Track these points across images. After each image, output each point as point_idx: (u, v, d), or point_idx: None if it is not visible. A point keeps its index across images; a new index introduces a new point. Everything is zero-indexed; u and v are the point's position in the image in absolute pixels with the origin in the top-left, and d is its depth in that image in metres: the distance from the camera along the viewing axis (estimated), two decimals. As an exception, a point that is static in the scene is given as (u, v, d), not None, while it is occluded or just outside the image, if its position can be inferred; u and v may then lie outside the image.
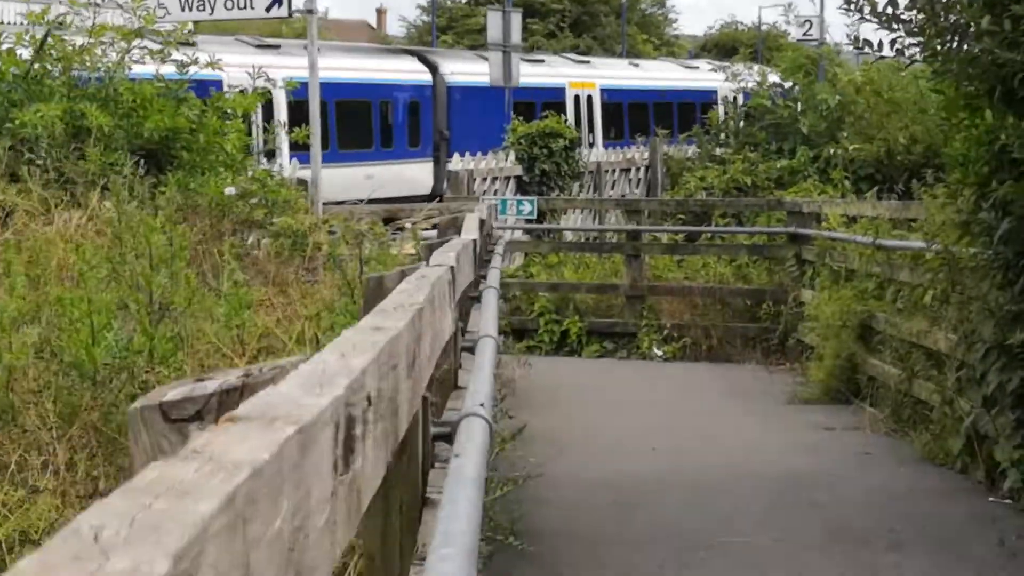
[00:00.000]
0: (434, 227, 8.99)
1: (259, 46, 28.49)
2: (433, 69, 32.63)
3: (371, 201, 16.94)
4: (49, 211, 8.06)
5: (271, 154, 25.35)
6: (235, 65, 14.36)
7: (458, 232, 6.90)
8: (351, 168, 28.27)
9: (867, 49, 9.23)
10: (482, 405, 3.30)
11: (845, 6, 8.86)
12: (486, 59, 26.51)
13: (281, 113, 26.05)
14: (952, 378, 10.03)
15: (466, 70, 32.74)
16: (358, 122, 30.32)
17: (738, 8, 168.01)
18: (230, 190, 9.35)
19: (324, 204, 14.81)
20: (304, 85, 14.52)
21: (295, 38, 36.62)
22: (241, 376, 1.63)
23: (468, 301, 6.27)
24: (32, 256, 6.70)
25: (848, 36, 9.72)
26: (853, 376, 12.91)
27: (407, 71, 32.12)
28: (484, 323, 5.15)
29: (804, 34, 42.17)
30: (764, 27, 64.86)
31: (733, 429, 12.01)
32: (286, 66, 21.86)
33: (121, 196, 7.36)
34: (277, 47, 28.58)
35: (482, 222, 7.40)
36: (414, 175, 30.88)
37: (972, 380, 9.48)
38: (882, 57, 9.42)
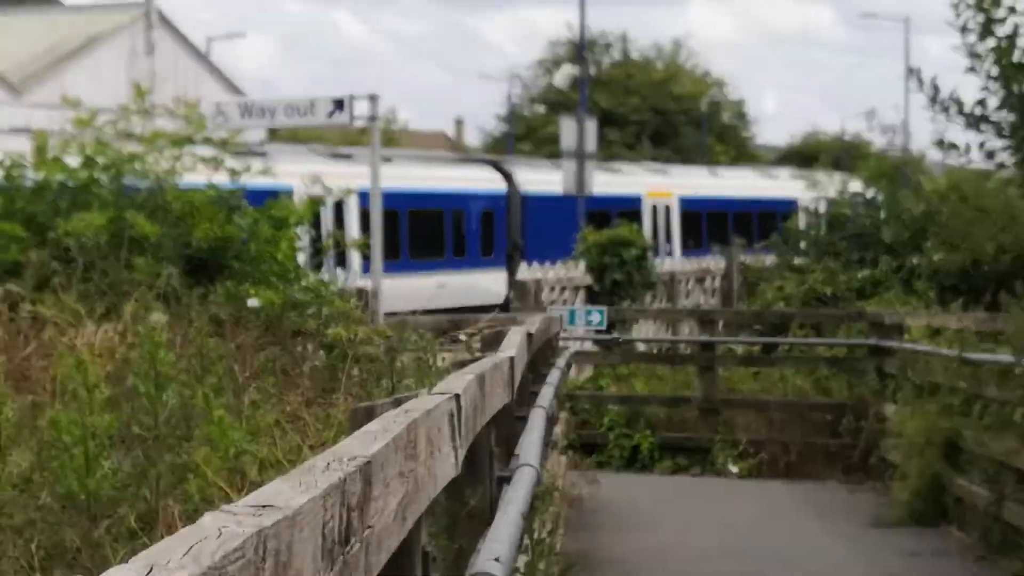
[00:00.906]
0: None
1: (332, 155, 28.46)
2: (508, 178, 32.43)
3: (439, 311, 16.54)
4: (82, 322, 7.69)
5: (341, 261, 25.20)
6: (306, 174, 14.20)
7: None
8: (423, 277, 27.99)
9: (952, 152, 8.73)
10: (497, 560, 2.78)
11: (930, 104, 8.39)
12: (561, 168, 26.24)
13: (352, 221, 25.89)
14: (1047, 503, 9.36)
15: (541, 179, 32.49)
16: (431, 231, 30.12)
17: (820, 117, 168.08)
18: (252, 302, 8.97)
19: (389, 314, 14.44)
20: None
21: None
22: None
23: (514, 422, 5.77)
24: (56, 371, 6.31)
25: (932, 140, 9.22)
26: (939, 497, 12.27)
27: (481, 180, 31.95)
28: (525, 450, 4.64)
29: (888, 142, 41.66)
30: (847, 136, 64.33)
31: (814, 553, 11.46)
32: (358, 175, 21.68)
33: (151, 306, 6.97)
34: (349, 156, 28.52)
35: (530, 336, 6.91)
36: (487, 284, 30.53)
37: (1069, 506, 8.82)
38: (969, 160, 8.91)
